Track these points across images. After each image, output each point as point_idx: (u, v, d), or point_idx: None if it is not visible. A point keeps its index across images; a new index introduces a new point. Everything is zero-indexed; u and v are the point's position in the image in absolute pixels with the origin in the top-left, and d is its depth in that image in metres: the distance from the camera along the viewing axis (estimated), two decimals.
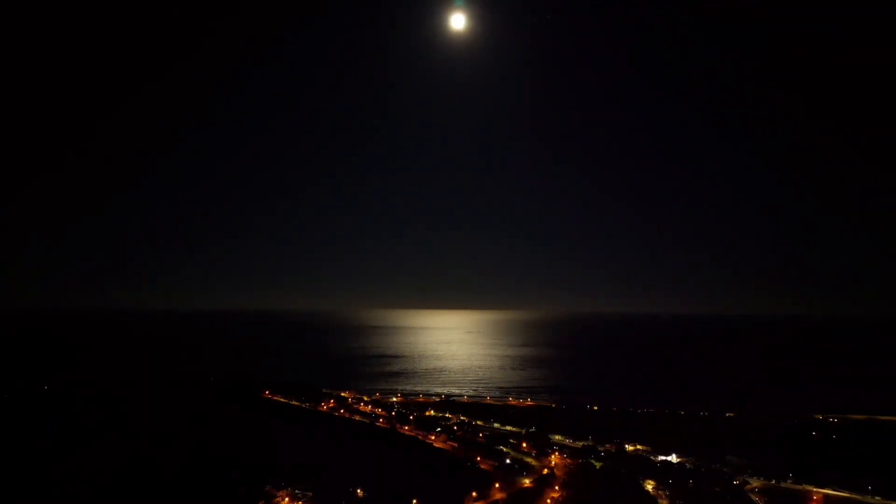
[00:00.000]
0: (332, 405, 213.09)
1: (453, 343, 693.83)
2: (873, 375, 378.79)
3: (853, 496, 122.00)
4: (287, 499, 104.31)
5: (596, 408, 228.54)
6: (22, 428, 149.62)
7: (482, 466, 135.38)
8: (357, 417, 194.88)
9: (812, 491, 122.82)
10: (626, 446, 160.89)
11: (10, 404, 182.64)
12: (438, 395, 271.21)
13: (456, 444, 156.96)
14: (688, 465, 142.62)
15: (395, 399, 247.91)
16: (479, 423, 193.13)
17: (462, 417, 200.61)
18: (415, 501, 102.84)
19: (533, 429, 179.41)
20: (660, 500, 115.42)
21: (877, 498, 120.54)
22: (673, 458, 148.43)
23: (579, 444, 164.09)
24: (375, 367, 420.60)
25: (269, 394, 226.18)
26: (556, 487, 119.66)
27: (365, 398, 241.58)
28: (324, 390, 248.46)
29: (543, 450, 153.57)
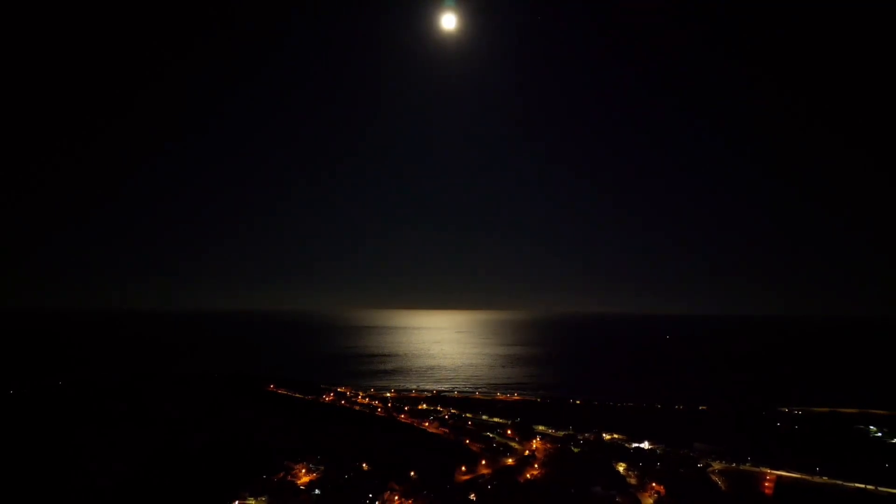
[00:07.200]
0: (332, 398, 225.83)
1: (444, 342, 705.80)
2: (853, 372, 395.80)
3: (803, 476, 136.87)
4: (303, 471, 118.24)
5: (578, 402, 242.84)
6: (52, 419, 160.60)
7: (471, 448, 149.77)
8: (357, 408, 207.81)
9: (767, 472, 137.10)
10: (604, 435, 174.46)
11: (31, 399, 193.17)
12: (430, 391, 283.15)
13: (447, 430, 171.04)
14: (658, 451, 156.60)
15: (389, 394, 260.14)
16: (468, 415, 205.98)
17: (453, 410, 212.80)
18: (412, 473, 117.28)
19: (518, 419, 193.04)
20: (629, 479, 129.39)
21: (823, 478, 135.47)
22: (645, 445, 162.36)
23: (560, 433, 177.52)
24: (369, 365, 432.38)
25: (273, 387, 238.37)
26: (536, 466, 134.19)
27: (361, 393, 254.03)
28: (322, 386, 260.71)
29: (527, 436, 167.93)
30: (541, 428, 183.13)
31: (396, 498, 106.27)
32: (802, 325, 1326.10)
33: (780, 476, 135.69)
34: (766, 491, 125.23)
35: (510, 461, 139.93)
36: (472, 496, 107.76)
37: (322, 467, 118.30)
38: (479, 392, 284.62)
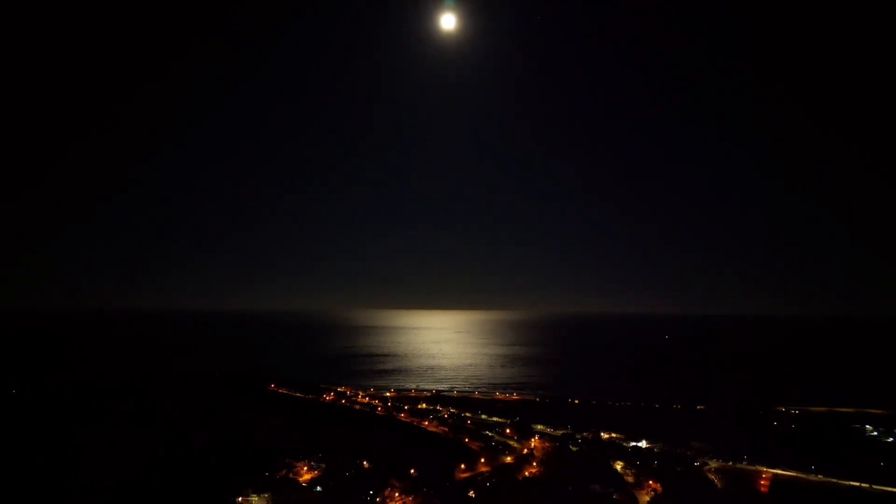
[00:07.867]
0: (332, 398, 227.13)
1: (443, 342, 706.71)
2: (852, 372, 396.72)
3: (799, 475, 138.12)
4: (305, 468, 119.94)
5: (577, 401, 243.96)
6: (53, 419, 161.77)
7: (470, 447, 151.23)
8: (357, 407, 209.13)
9: (762, 471, 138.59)
10: (602, 434, 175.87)
11: (31, 399, 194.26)
12: (430, 390, 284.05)
13: (447, 429, 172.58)
14: (655, 450, 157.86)
15: (388, 394, 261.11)
16: (467, 414, 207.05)
17: (452, 410, 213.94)
18: (412, 471, 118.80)
19: (517, 418, 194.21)
20: (626, 477, 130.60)
21: (819, 476, 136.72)
22: (643, 444, 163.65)
23: (559, 432, 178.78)
24: (368, 365, 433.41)
25: (274, 387, 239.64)
26: (534, 464, 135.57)
27: (361, 393, 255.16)
28: (322, 385, 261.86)
29: (525, 435, 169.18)
30: (539, 427, 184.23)
31: (397, 495, 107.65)
32: (802, 325, 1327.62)
33: (776, 474, 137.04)
34: (762, 489, 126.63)
35: (509, 459, 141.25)
36: (472, 493, 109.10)
37: (323, 465, 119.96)
38: (479, 392, 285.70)
